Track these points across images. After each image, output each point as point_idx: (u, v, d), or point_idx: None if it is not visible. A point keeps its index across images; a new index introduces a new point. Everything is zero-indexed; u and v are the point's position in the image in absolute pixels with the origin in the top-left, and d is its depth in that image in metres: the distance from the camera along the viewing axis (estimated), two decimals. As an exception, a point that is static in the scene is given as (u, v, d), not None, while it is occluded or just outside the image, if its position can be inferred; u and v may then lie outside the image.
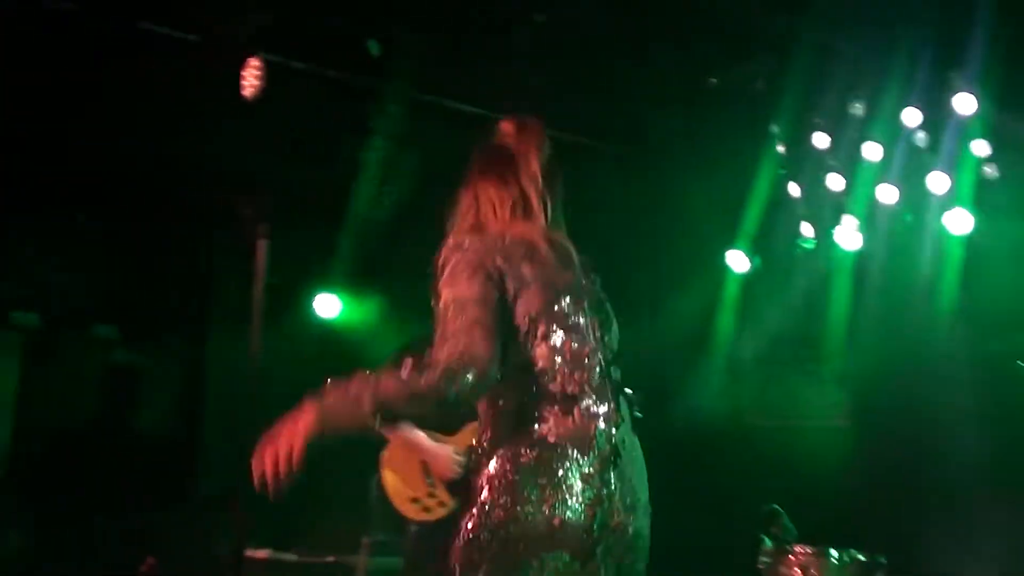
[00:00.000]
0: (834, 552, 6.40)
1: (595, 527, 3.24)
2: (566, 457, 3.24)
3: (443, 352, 3.22)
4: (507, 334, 3.32)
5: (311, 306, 10.35)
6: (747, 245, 8.90)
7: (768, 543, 6.55)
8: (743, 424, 9.38)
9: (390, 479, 6.42)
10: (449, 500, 6.28)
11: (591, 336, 3.46)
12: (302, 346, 10.08)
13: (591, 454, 3.28)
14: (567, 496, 3.20)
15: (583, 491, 3.23)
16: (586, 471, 3.25)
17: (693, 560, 8.34)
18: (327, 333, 10.55)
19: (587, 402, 3.35)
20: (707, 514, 8.62)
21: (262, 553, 9.40)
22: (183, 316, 11.09)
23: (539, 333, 3.37)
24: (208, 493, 10.26)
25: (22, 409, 10.35)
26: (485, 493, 3.27)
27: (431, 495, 6.33)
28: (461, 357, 3.19)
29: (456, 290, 3.31)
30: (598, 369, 3.43)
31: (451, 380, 3.16)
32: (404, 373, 3.23)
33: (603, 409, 3.39)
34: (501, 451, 3.31)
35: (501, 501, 3.24)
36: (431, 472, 6.32)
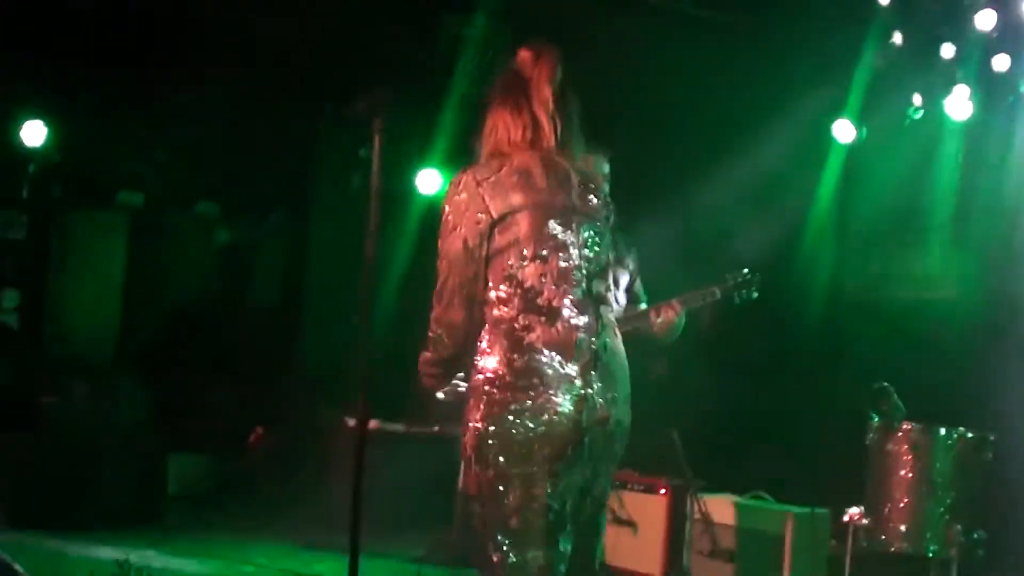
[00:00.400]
0: (942, 429, 6.36)
1: (583, 419, 3.72)
2: (552, 361, 3.71)
3: (432, 316, 3.97)
4: (502, 259, 3.82)
5: (413, 182, 10.35)
6: (854, 115, 8.71)
7: (876, 420, 6.52)
8: (849, 298, 9.27)
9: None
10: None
11: (577, 254, 3.86)
12: (404, 223, 10.12)
13: (574, 359, 3.73)
14: (554, 394, 3.68)
15: (569, 390, 3.70)
16: (571, 373, 3.71)
17: (802, 436, 8.35)
18: (429, 209, 10.57)
19: (569, 314, 3.77)
20: (814, 391, 8.58)
21: (371, 423, 9.58)
22: (286, 193, 11.19)
23: (528, 254, 3.80)
24: (313, 365, 10.44)
25: (130, 287, 10.57)
26: (487, 388, 3.73)
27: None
28: (438, 323, 3.94)
29: (443, 244, 3.91)
30: (583, 285, 3.84)
31: (439, 347, 3.97)
32: (422, 355, 4.06)
33: (583, 320, 3.78)
34: (498, 354, 3.74)
35: (499, 397, 3.70)
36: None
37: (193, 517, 9.26)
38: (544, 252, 3.81)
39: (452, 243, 3.88)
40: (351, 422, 9.51)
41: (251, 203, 10.96)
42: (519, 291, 3.79)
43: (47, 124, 9.45)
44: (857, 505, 6.46)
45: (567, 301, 3.79)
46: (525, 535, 3.72)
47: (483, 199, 3.85)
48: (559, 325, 3.75)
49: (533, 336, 3.73)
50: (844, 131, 8.76)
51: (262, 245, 11.28)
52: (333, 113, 10.98)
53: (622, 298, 6.55)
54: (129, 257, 10.62)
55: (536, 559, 3.73)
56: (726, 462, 8.26)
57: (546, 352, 3.72)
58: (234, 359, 10.61)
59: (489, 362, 3.76)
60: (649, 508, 7.98)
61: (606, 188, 4.17)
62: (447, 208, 3.94)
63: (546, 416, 3.68)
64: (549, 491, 3.72)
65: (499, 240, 3.83)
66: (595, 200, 3.98)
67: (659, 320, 6.25)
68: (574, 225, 3.89)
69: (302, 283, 11.14)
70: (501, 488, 3.71)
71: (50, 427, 8.84)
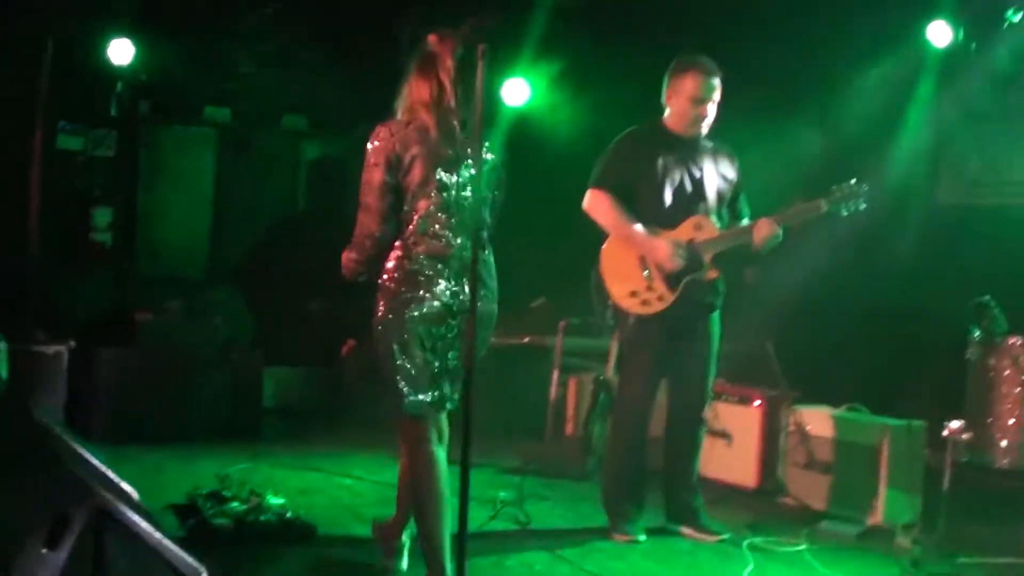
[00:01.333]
0: (1045, 342, 6.28)
1: (455, 307, 5.19)
2: (435, 267, 5.16)
3: (356, 228, 5.23)
4: (403, 193, 5.15)
5: (499, 93, 10.31)
6: (949, 17, 8.50)
7: (977, 335, 6.45)
8: (949, 207, 9.10)
9: (609, 273, 6.48)
10: (667, 293, 6.32)
11: (457, 193, 5.21)
12: (492, 134, 10.08)
13: (450, 267, 5.18)
14: (435, 289, 5.16)
15: (445, 288, 5.17)
16: (448, 276, 5.18)
17: (900, 349, 8.28)
18: (516, 120, 10.54)
19: (448, 235, 5.19)
20: (913, 303, 8.48)
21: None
22: (373, 106, 11.17)
23: (422, 193, 5.14)
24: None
25: (220, 202, 10.68)
26: (391, 284, 5.16)
27: (649, 288, 6.38)
28: (360, 232, 5.20)
29: (366, 175, 5.15)
30: (459, 215, 5.21)
31: (360, 249, 5.23)
32: (345, 253, 5.28)
33: (458, 240, 5.20)
34: (394, 260, 5.17)
35: (394, 290, 5.15)
36: (649, 265, 6.36)
37: (289, 430, 9.43)
38: (430, 190, 5.13)
39: (372, 175, 5.13)
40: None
41: (338, 116, 10.97)
42: (417, 217, 5.15)
43: (134, 42, 9.52)
44: (957, 419, 6.42)
45: (448, 225, 5.18)
46: (415, 382, 5.21)
47: (394, 146, 5.12)
48: (440, 242, 5.16)
49: (420, 249, 5.14)
50: (939, 35, 8.58)
51: (350, 158, 11.30)
52: (418, 22, 10.94)
53: (725, 212, 6.51)
54: (218, 172, 10.70)
55: (425, 397, 5.25)
56: (822, 374, 8.23)
57: (427, 261, 5.14)
58: (325, 272, 10.69)
59: (389, 265, 5.18)
60: (744, 419, 8.00)
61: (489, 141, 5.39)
62: (369, 148, 5.17)
63: (425, 305, 5.14)
64: (429, 354, 5.22)
65: (403, 179, 5.13)
66: (474, 150, 5.02)
67: (757, 236, 6.23)
68: (458, 170, 5.21)
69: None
70: (396, 350, 5.17)
71: (146, 343, 9.01)
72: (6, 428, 4.40)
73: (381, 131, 5.19)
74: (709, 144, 6.52)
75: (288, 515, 6.20)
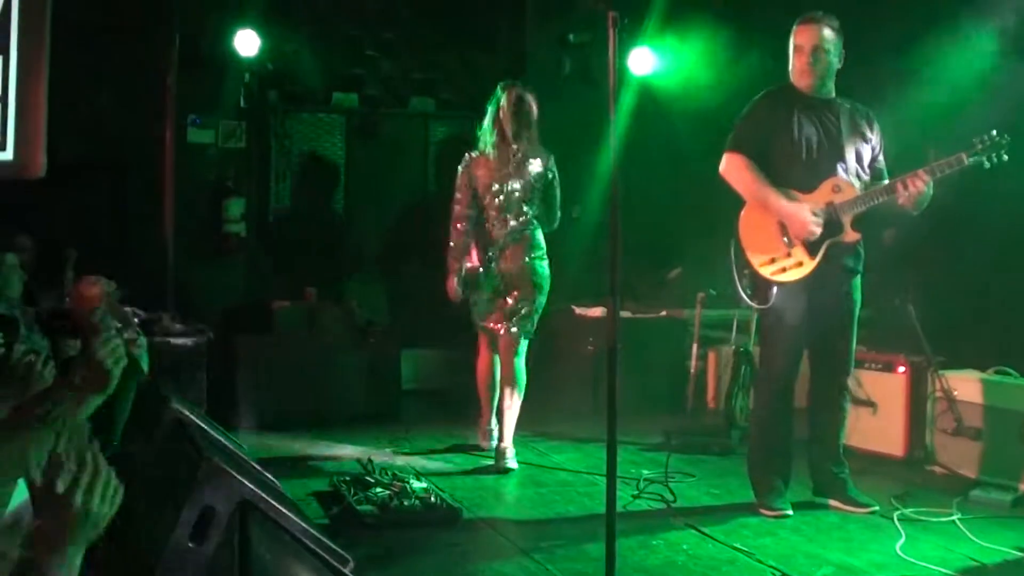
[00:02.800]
0: None
1: (500, 269, 7.62)
2: (491, 246, 7.62)
3: (451, 226, 7.75)
4: (476, 198, 7.62)
5: (625, 63, 10.23)
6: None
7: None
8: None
9: (747, 241, 6.38)
10: (808, 259, 6.20)
11: (504, 198, 7.57)
12: (620, 104, 10.00)
13: (497, 245, 7.58)
14: (488, 261, 7.62)
15: (490, 260, 7.61)
16: (496, 251, 7.60)
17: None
18: (641, 88, 10.45)
19: (499, 225, 7.58)
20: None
21: (595, 311, 9.60)
22: (497, 86, 11.17)
23: (486, 198, 7.61)
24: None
25: (351, 187, 10.75)
26: (467, 261, 7.69)
27: (789, 255, 6.27)
28: (454, 218, 7.72)
29: (456, 188, 7.74)
30: (505, 212, 7.57)
31: (454, 229, 7.70)
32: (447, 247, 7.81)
33: (505, 229, 7.56)
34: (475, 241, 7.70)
35: (469, 264, 7.67)
36: (788, 232, 6.25)
37: (427, 413, 9.48)
38: (491, 197, 7.59)
39: (459, 188, 7.69)
40: (578, 310, 9.54)
41: (464, 97, 10.98)
42: (484, 213, 7.64)
43: (259, 33, 9.62)
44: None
45: (500, 219, 7.58)
46: (479, 313, 7.79)
47: (471, 170, 7.66)
48: (496, 228, 7.60)
49: (484, 231, 7.64)
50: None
51: (474, 136, 11.32)
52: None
53: (864, 173, 6.36)
54: (348, 157, 10.77)
55: (485, 323, 7.79)
56: (967, 336, 8.02)
57: (489, 242, 7.62)
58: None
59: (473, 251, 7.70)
60: (888, 387, 7.85)
61: (538, 163, 7.64)
62: (459, 171, 7.74)
63: (483, 269, 7.64)
64: (487, 301, 7.73)
65: (475, 189, 7.64)
66: (526, 168, 7.60)
67: (907, 192, 6.06)
68: (508, 183, 7.56)
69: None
70: (469, 296, 7.76)
71: (284, 331, 9.13)
72: (149, 423, 4.47)
73: (465, 159, 7.74)
74: (847, 104, 6.39)
75: (432, 499, 6.23)
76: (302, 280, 9.97)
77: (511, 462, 7.44)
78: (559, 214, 7.85)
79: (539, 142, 7.67)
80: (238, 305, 9.94)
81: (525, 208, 7.58)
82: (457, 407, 9.53)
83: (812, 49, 6.27)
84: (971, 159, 6.04)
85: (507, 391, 7.61)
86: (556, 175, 7.71)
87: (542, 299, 7.65)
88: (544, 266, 7.64)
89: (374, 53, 10.64)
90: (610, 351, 4.60)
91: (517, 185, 7.56)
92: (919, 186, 6.07)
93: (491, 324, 7.71)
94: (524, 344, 7.66)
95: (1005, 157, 6.05)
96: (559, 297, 9.27)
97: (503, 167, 7.55)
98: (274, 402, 8.62)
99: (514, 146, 7.55)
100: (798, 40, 6.34)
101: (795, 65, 6.38)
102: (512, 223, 7.56)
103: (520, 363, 7.64)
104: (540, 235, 7.67)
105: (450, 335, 10.50)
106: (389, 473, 6.57)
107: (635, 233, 9.28)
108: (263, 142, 10.39)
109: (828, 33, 6.28)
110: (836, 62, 6.35)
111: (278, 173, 10.49)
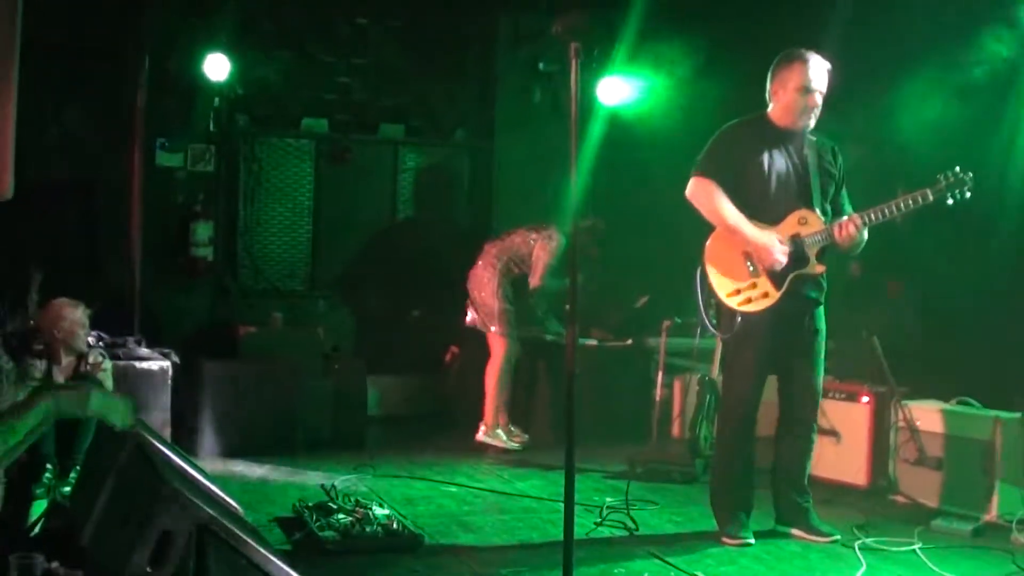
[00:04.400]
0: None
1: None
2: None
3: None
4: None
5: (594, 92, 10.27)
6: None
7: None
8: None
9: (714, 269, 6.40)
10: (773, 290, 6.23)
11: None
12: (588, 134, 10.06)
13: None
14: None
15: None
16: None
17: (1008, 338, 8.05)
18: (611, 118, 10.48)
19: None
20: (1019, 292, 8.23)
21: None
22: (469, 112, 11.21)
23: None
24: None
25: (319, 213, 10.74)
26: None
27: (754, 286, 6.30)
28: None
29: None
30: None
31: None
32: None
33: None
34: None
35: None
36: (755, 261, 6.28)
37: (393, 439, 9.46)
38: None
39: None
40: (549, 336, 9.54)
41: (435, 124, 11.01)
42: None
43: (229, 57, 9.63)
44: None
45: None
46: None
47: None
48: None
49: None
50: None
51: (447, 166, 11.34)
52: (510, 27, 10.99)
53: (828, 207, 6.39)
54: (317, 183, 10.77)
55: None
56: (929, 368, 8.07)
57: None
58: (425, 280, 10.74)
59: None
60: (852, 417, 7.90)
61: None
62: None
63: None
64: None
65: None
66: None
67: (840, 236, 6.16)
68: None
69: (489, 200, 11.20)
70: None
71: (250, 355, 9.10)
72: (111, 447, 4.45)
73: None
74: (812, 137, 6.41)
75: (395, 526, 6.21)
76: (268, 305, 9.96)
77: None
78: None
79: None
80: (204, 329, 9.91)
81: None
82: (422, 434, 9.54)
83: (809, 90, 6.22)
84: (936, 195, 6.09)
85: None
86: None
87: None
88: None
89: (344, 79, 10.67)
90: (569, 377, 4.62)
91: None
92: (851, 231, 6.16)
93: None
94: None
95: (968, 194, 6.10)
96: (529, 324, 9.35)
97: None
98: (239, 427, 8.57)
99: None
100: (795, 77, 6.24)
101: (784, 102, 6.31)
102: None
103: None
104: None
105: (416, 361, 10.54)
106: (352, 499, 6.54)
107: (604, 261, 9.38)
108: (232, 166, 10.37)
109: (825, 72, 6.27)
110: None
111: (247, 197, 10.48)
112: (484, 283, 9.12)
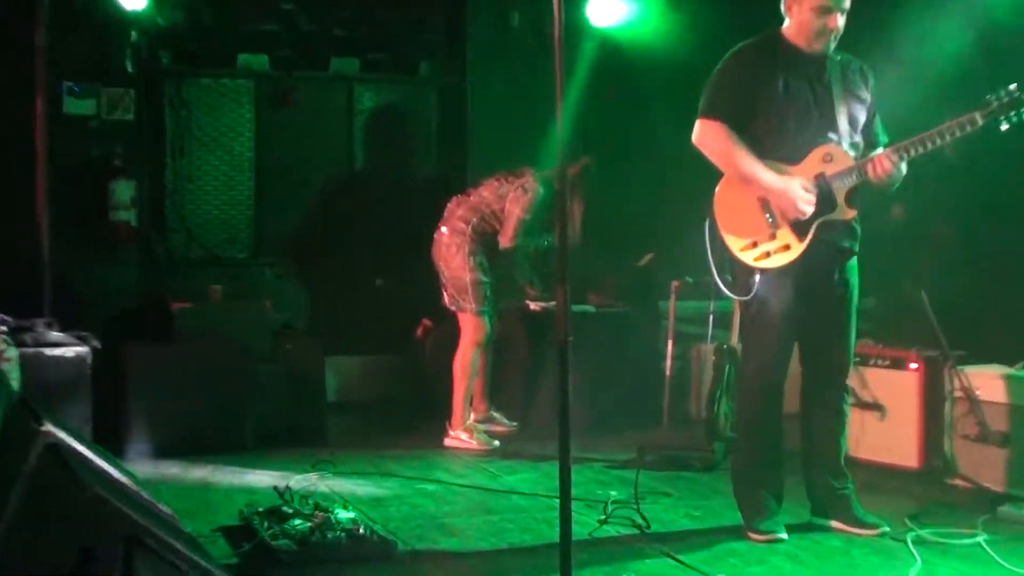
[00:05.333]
0: None
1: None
2: None
3: None
4: None
5: (584, 13, 10.26)
6: None
7: None
8: None
9: (725, 221, 6.39)
10: (796, 241, 6.21)
11: None
12: (577, 61, 10.06)
13: None
14: None
15: None
16: None
17: None
18: (603, 42, 10.47)
19: None
20: None
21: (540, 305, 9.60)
22: (434, 44, 11.19)
23: None
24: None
25: (262, 167, 10.72)
26: None
27: (773, 237, 6.28)
28: None
29: None
30: None
31: None
32: None
33: None
34: None
35: None
36: (773, 210, 6.27)
37: (358, 430, 9.47)
38: None
39: None
40: (532, 305, 9.54)
41: (395, 56, 10.98)
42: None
43: (147, -18, 9.59)
44: None
45: None
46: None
47: None
48: None
49: None
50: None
51: (412, 105, 11.32)
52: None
53: (859, 139, 6.37)
54: (258, 130, 10.75)
55: None
56: (990, 327, 8.08)
57: None
58: (390, 242, 10.73)
59: None
60: (898, 386, 7.91)
61: None
62: None
63: None
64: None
65: None
66: None
67: (872, 173, 6.13)
68: None
69: (463, 146, 11.17)
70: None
71: (185, 336, 9.08)
72: (21, 450, 4.44)
73: None
74: (838, 58, 6.39)
75: (361, 531, 6.20)
76: (205, 276, 9.94)
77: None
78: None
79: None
80: (129, 307, 9.87)
81: None
82: (391, 423, 9.54)
83: (829, 9, 6.15)
84: (985, 119, 6.07)
85: None
86: None
87: None
88: None
89: (288, 5, 10.62)
90: (561, 346, 4.61)
91: None
92: (886, 167, 6.11)
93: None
94: None
95: (1028, 115, 6.09)
96: (510, 292, 9.31)
97: None
98: (173, 422, 8.54)
99: None
100: None
101: (799, 20, 6.25)
102: None
103: None
104: None
105: (382, 338, 10.53)
106: (310, 502, 6.53)
107: (600, 213, 9.36)
108: (156, 113, 10.34)
109: None
110: None
111: (174, 149, 10.45)
112: (452, 253, 8.90)
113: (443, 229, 8.99)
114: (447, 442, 8.92)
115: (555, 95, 4.75)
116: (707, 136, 6.31)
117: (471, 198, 9.04)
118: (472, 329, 8.93)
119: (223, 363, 8.84)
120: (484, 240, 8.92)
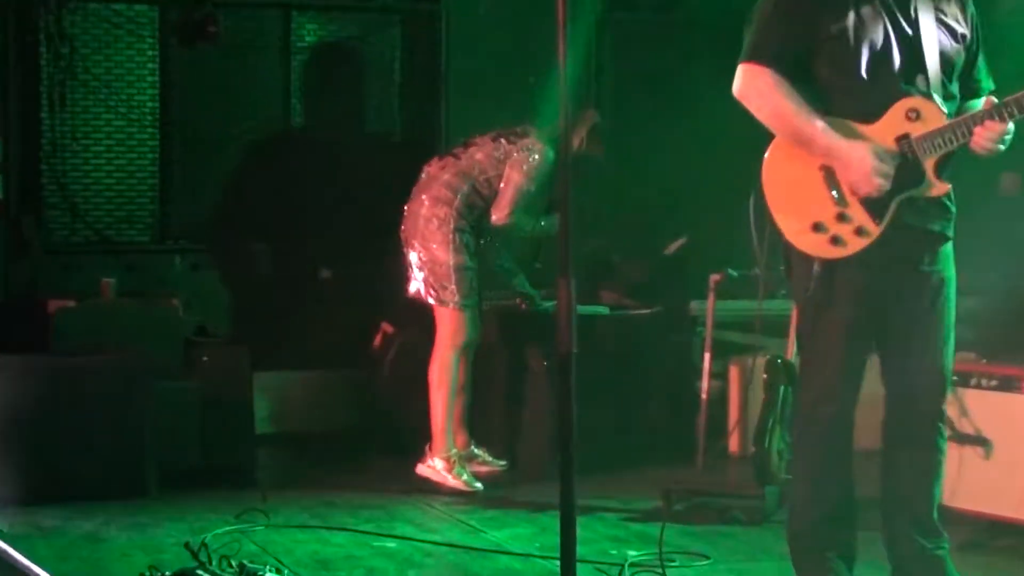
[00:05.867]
0: None
1: None
2: None
3: None
4: None
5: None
6: None
7: None
8: None
9: (778, 197, 6.37)
10: (870, 223, 6.18)
11: None
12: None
13: None
14: None
15: None
16: None
17: None
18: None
19: None
20: None
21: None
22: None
23: None
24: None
25: (170, 124, 10.78)
26: None
27: (841, 218, 6.27)
28: None
29: None
30: None
31: None
32: None
33: None
34: None
35: None
36: (840, 184, 6.26)
37: (297, 468, 9.51)
38: None
39: None
40: (523, 304, 9.57)
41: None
42: None
43: None
44: None
45: None
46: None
47: None
48: None
49: None
50: None
51: (367, 41, 11.37)
52: None
53: (956, 88, 6.38)
54: (164, 73, 10.79)
55: None
56: None
57: None
58: (339, 223, 10.79)
59: None
60: (1009, 415, 7.92)
61: None
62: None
63: None
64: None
65: None
66: None
67: (976, 136, 6.12)
68: None
69: (435, 95, 11.22)
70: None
71: (67, 345, 9.11)
72: None
73: None
74: (927, -17, 6.42)
75: (300, 603, 6.28)
76: (94, 266, 9.98)
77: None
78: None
79: None
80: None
81: None
82: (340, 460, 9.58)
83: None
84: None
85: None
86: None
87: None
88: None
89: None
90: (563, 359, 4.64)
91: None
92: (993, 129, 6.11)
93: None
94: None
95: None
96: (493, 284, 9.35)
97: None
98: (51, 458, 8.58)
99: None
100: None
101: None
102: None
103: None
104: None
105: (327, 348, 10.56)
106: (234, 564, 6.59)
107: (617, 189, 9.42)
108: (28, 51, 10.37)
109: None
110: None
111: (53, 99, 10.48)
112: (432, 229, 8.89)
113: (422, 198, 8.96)
114: (419, 469, 8.97)
115: (557, 26, 4.78)
116: (752, 86, 6.28)
117: (460, 161, 9.01)
118: (452, 327, 8.91)
119: (117, 381, 8.86)
120: (474, 216, 8.92)
